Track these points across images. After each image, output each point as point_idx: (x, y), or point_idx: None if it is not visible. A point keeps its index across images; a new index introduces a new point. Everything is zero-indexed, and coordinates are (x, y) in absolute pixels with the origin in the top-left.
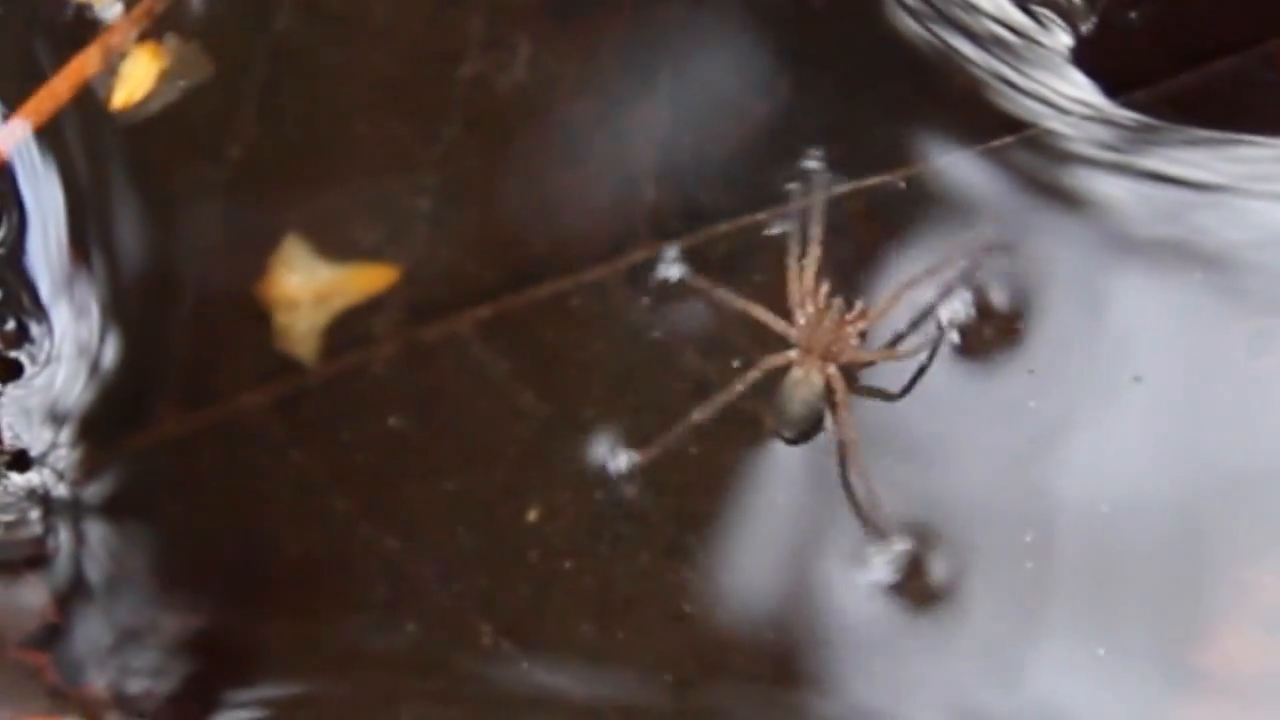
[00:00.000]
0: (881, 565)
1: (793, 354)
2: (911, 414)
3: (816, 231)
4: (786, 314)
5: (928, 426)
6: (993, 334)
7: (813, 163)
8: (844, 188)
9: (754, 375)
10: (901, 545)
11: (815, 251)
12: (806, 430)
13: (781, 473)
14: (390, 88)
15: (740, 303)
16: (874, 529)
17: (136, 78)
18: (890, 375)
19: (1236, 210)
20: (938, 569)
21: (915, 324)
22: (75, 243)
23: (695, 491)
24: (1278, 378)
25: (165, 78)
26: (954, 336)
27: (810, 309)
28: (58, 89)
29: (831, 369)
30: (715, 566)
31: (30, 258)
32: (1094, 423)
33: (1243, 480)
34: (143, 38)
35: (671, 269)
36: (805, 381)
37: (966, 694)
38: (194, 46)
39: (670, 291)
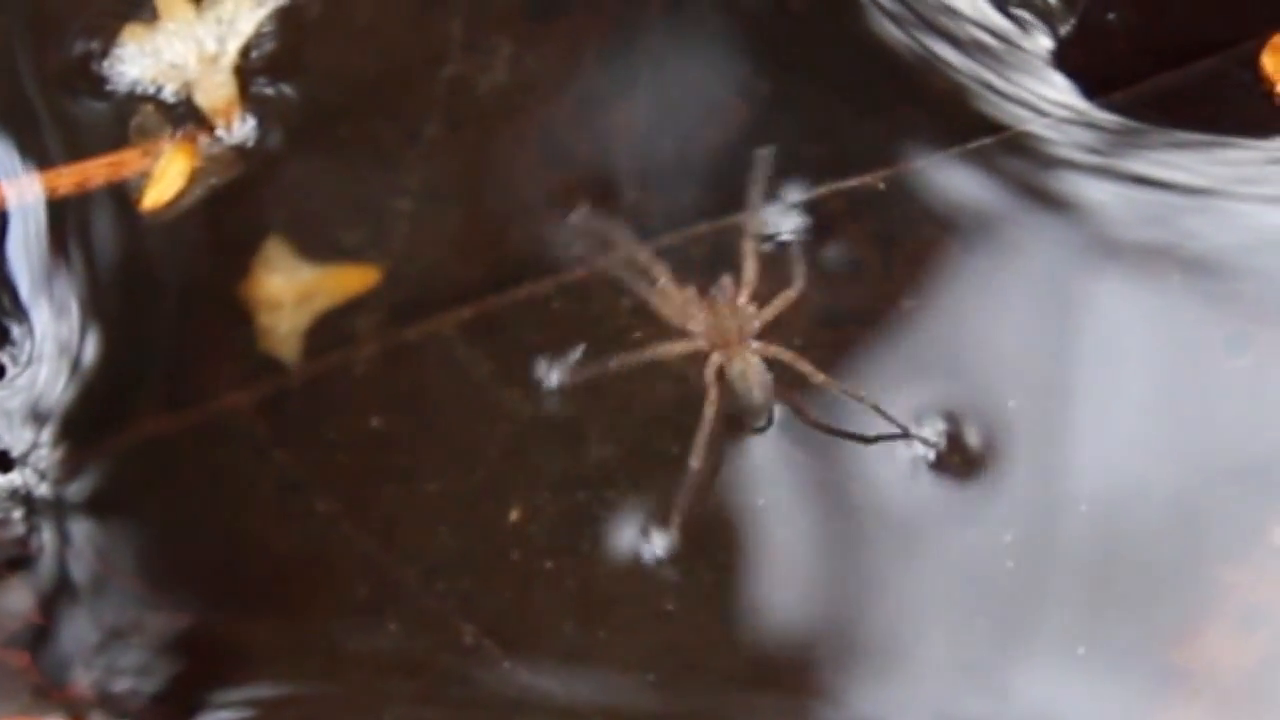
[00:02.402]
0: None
1: (701, 343)
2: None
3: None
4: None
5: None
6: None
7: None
8: (824, 189)
9: (660, 352)
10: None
11: (749, 248)
12: (771, 409)
13: (762, 473)
14: (371, 89)
15: (646, 293)
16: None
17: (169, 178)
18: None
19: (1219, 213)
20: (919, 562)
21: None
22: (55, 242)
23: (676, 492)
24: (1256, 378)
25: (196, 178)
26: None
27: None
28: (90, 173)
29: (753, 347)
30: (697, 566)
31: (10, 258)
32: (1073, 423)
33: (1224, 479)
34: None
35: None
36: (748, 368)
37: (949, 699)
38: (229, 149)
39: (650, 293)
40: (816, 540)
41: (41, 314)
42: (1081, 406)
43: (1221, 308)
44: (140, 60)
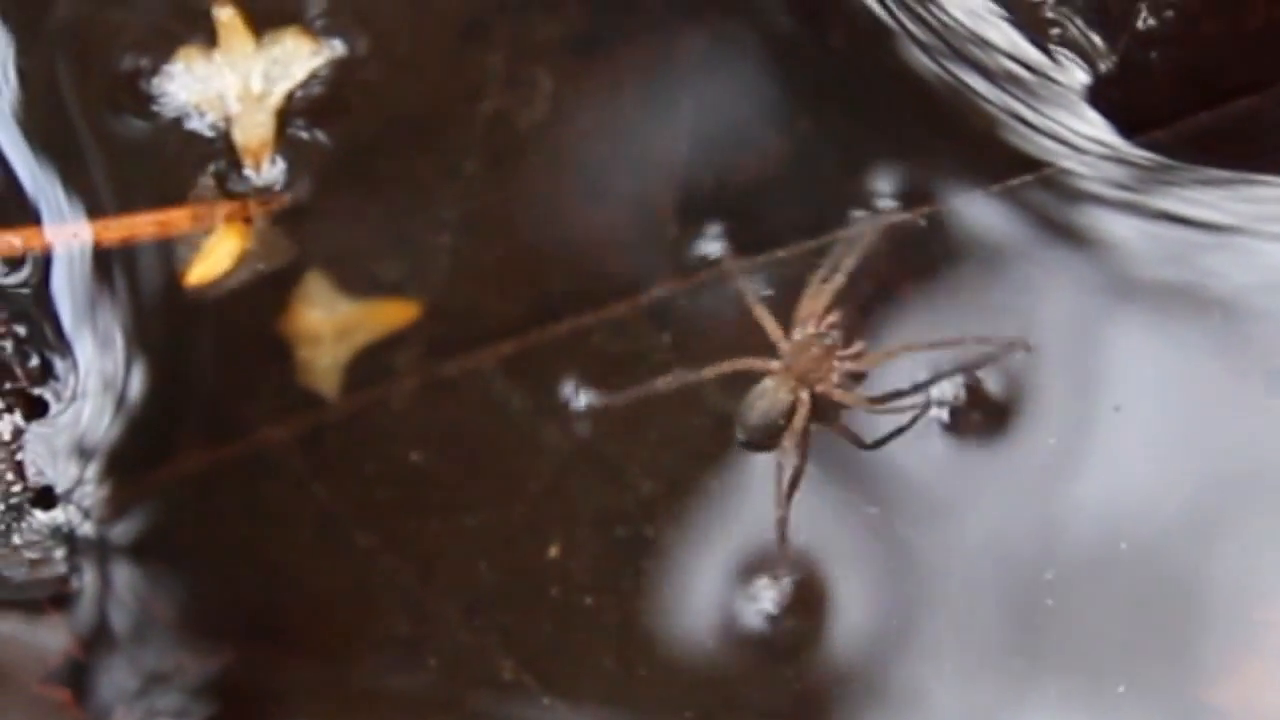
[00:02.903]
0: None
1: (774, 364)
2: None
3: (850, 263)
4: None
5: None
6: (981, 418)
7: (876, 199)
8: (863, 225)
9: (728, 368)
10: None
11: (840, 279)
12: (759, 440)
13: (803, 513)
14: (411, 124)
15: (752, 299)
16: (775, 559)
17: (217, 258)
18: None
19: (1247, 251)
20: (942, 612)
21: (912, 389)
22: (99, 278)
23: (716, 527)
24: None
25: (245, 260)
26: (942, 414)
27: (808, 330)
28: (138, 229)
29: (804, 393)
30: (737, 603)
31: (54, 293)
32: (1110, 463)
33: (1260, 518)
34: (232, 218)
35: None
36: (771, 394)
37: None
38: (279, 230)
39: (690, 328)
40: (857, 577)
41: (85, 349)
42: (1117, 443)
43: (1265, 347)
44: (188, 83)
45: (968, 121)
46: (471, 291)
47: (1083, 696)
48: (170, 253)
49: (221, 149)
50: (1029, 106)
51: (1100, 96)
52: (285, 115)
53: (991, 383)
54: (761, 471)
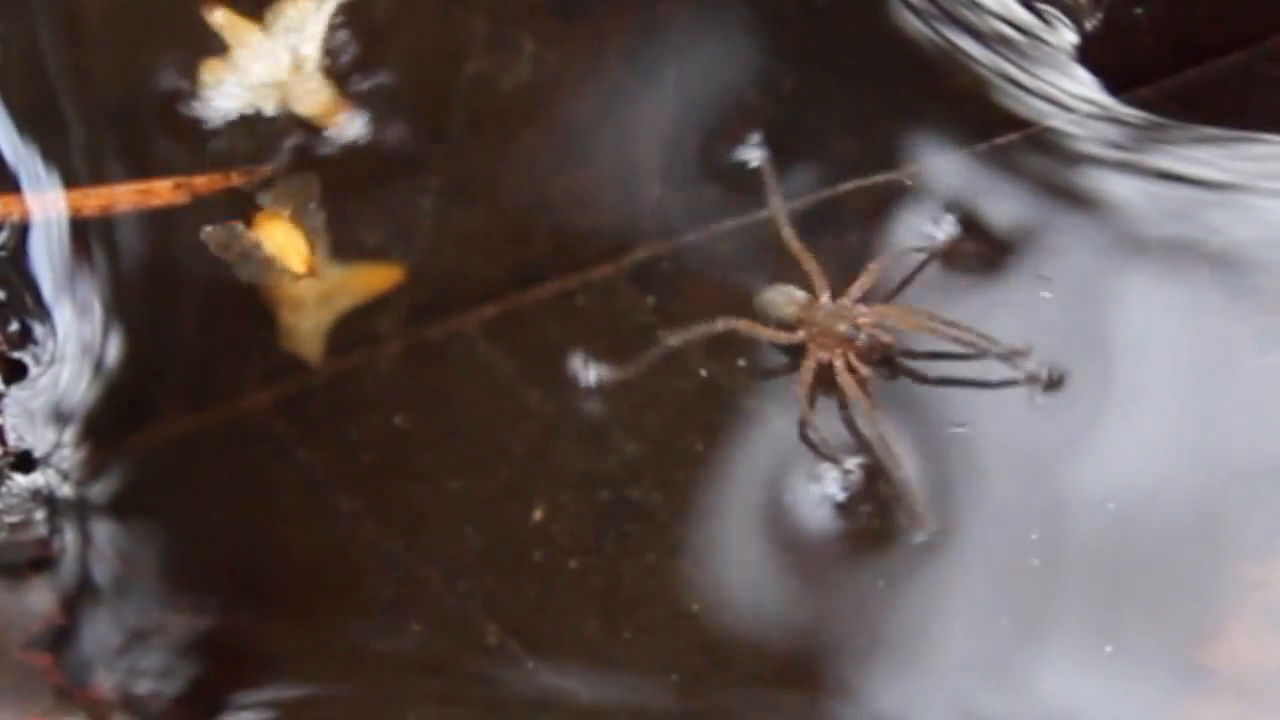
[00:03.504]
0: (891, 555)
1: (800, 334)
2: (930, 402)
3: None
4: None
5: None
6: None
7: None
8: (849, 185)
9: (743, 325)
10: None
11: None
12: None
13: (789, 473)
14: (394, 87)
15: (797, 246)
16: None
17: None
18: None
19: (1245, 208)
20: (943, 561)
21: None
22: (78, 243)
23: (701, 490)
24: None
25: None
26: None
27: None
28: (118, 198)
29: (819, 356)
30: (722, 565)
31: (32, 257)
32: (1100, 421)
33: (1251, 477)
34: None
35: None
36: (787, 303)
37: (974, 696)
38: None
39: (674, 290)
40: (840, 538)
41: (64, 313)
42: (1106, 403)
43: (1247, 304)
44: (229, 92)
45: (956, 81)
46: (455, 255)
47: (1070, 657)
48: (147, 221)
49: (294, 126)
50: (1019, 67)
51: (1088, 55)
52: (334, 71)
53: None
54: (745, 433)
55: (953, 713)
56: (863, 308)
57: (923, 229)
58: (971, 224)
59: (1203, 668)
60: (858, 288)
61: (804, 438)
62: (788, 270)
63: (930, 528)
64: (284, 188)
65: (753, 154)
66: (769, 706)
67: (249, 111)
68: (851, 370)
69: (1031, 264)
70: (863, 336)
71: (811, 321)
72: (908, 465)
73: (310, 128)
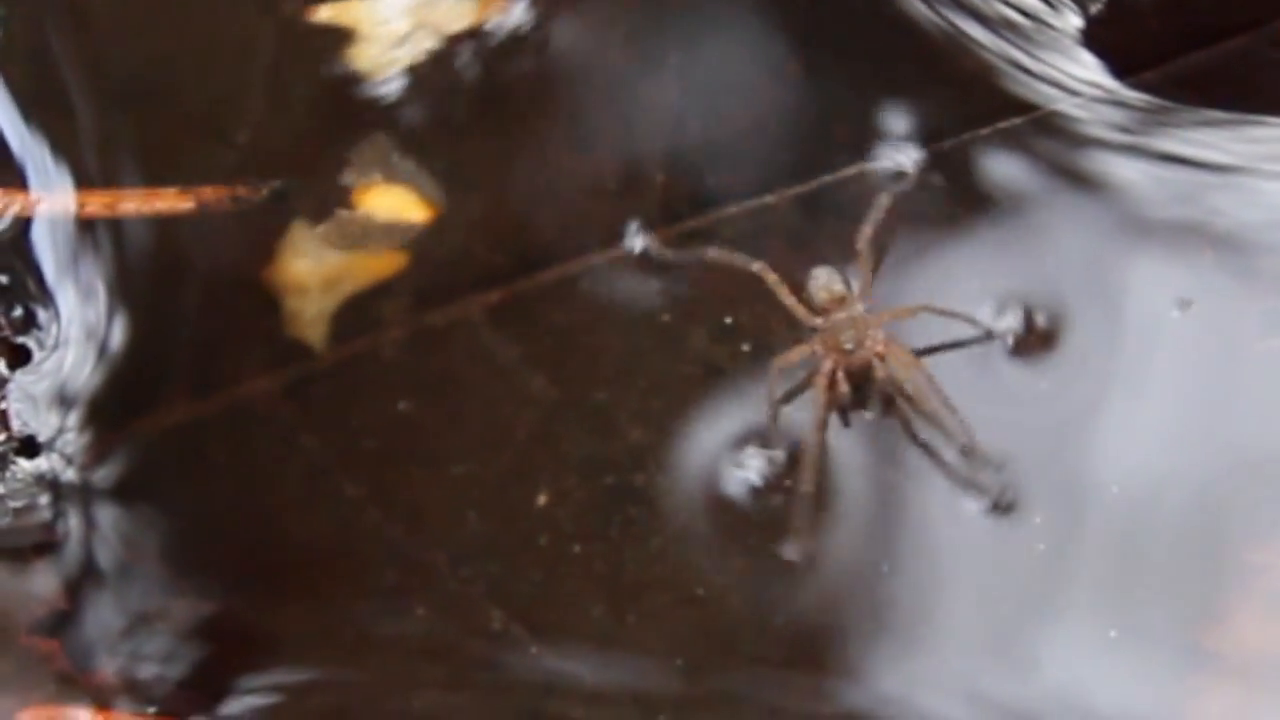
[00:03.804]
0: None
1: (817, 321)
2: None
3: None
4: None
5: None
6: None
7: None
8: (852, 169)
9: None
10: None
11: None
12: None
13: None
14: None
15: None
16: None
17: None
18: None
19: (1249, 191)
20: (947, 545)
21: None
22: (82, 227)
23: (705, 475)
24: None
25: None
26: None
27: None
28: (130, 201)
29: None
30: (726, 549)
31: (36, 242)
32: (1104, 405)
33: (1256, 461)
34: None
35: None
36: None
37: (979, 679)
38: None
39: (677, 275)
40: (844, 521)
41: (68, 298)
42: (1110, 386)
43: (1259, 287)
44: (395, 58)
45: (961, 65)
46: (458, 240)
47: (1074, 641)
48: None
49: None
50: (1024, 51)
51: (1092, 39)
52: None
53: (995, 318)
54: (749, 418)
55: (958, 694)
56: (879, 334)
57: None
58: (975, 209)
59: (1208, 652)
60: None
61: (767, 409)
62: (797, 256)
63: (804, 550)
64: (360, 158)
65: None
66: (774, 689)
67: (422, 59)
68: (832, 383)
69: (1033, 245)
70: (859, 355)
71: (831, 317)
72: (815, 484)
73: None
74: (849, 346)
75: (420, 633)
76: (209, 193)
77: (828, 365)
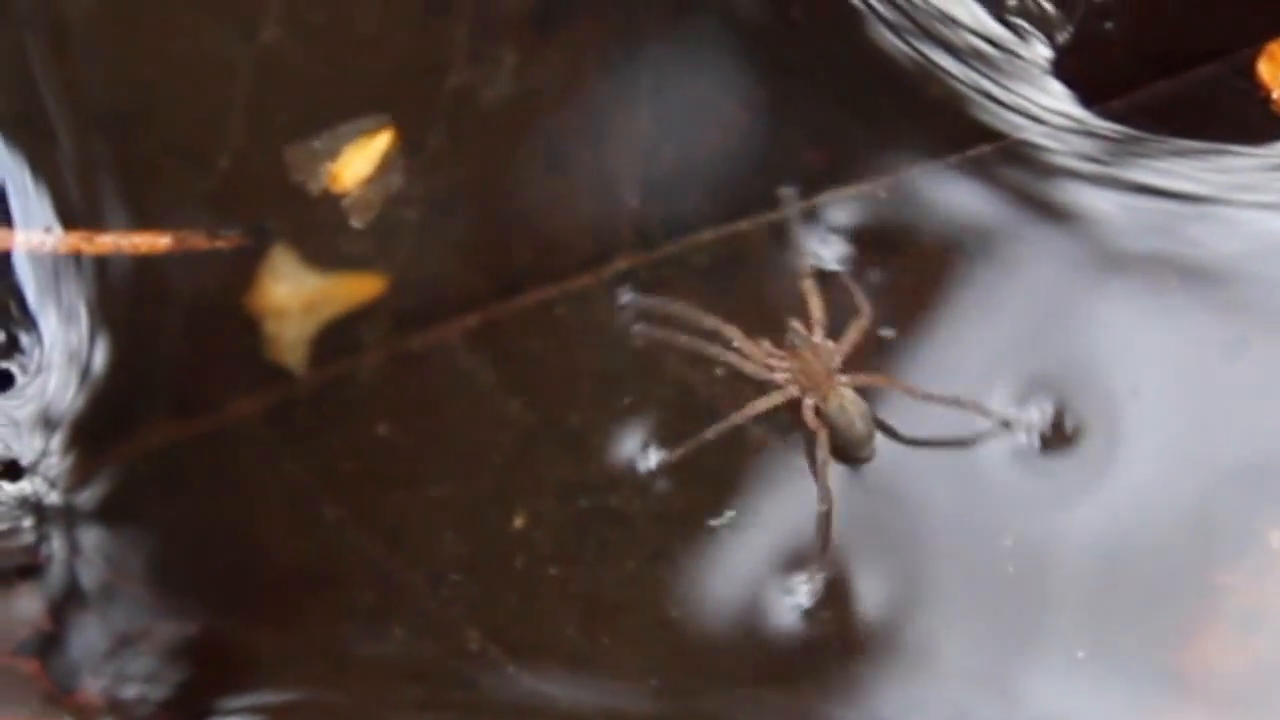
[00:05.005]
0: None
1: (793, 390)
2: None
3: (801, 245)
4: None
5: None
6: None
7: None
8: (823, 196)
9: (749, 413)
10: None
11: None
12: (874, 437)
13: (764, 481)
14: (376, 98)
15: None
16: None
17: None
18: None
19: (1218, 220)
20: (913, 573)
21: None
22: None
23: (679, 498)
24: (1255, 384)
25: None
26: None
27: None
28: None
29: (843, 381)
30: (700, 572)
31: (17, 267)
32: (1070, 429)
33: (1223, 484)
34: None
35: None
36: (844, 402)
37: (948, 698)
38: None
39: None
40: (817, 544)
41: (50, 322)
42: (1080, 411)
43: (1220, 314)
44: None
45: (930, 94)
46: (437, 265)
47: (1043, 663)
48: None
49: None
50: (992, 80)
51: (1060, 68)
52: None
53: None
54: (728, 442)
55: (924, 708)
56: (839, 363)
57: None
58: (945, 238)
59: (1178, 673)
60: (847, 344)
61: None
62: (771, 281)
63: (822, 562)
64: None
65: (788, 207)
66: (750, 711)
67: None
68: (818, 412)
69: (1002, 275)
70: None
71: (795, 362)
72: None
73: None
74: (821, 374)
75: (399, 653)
76: (186, 235)
77: (808, 403)
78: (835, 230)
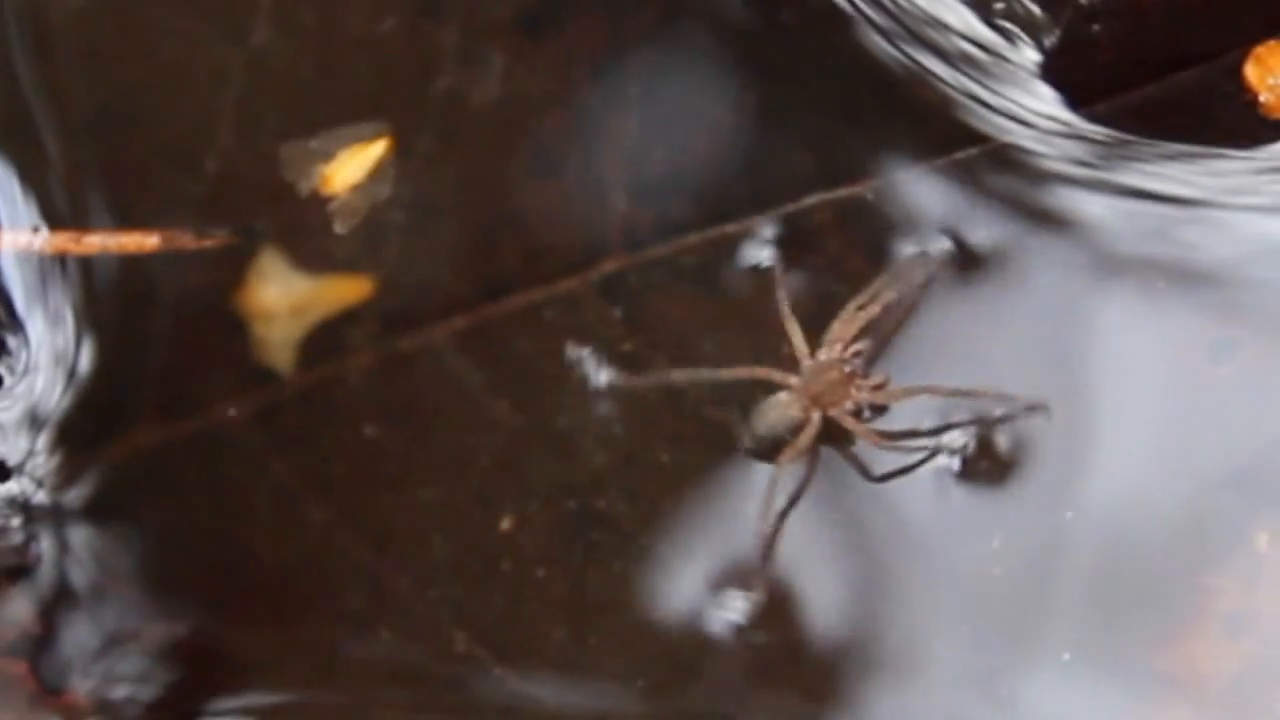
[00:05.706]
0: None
1: (793, 380)
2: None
3: (889, 296)
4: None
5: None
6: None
7: (930, 244)
8: (812, 199)
9: (746, 374)
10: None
11: (875, 310)
12: (764, 450)
13: (751, 483)
14: (365, 101)
15: (785, 311)
16: (749, 572)
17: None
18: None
19: (1209, 223)
20: (902, 575)
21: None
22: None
23: (667, 500)
24: (1242, 386)
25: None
26: (953, 462)
27: (834, 353)
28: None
29: (816, 414)
30: (688, 574)
31: (4, 268)
32: (1058, 433)
33: (1210, 486)
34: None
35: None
36: (783, 407)
37: (937, 699)
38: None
39: (641, 303)
40: (806, 547)
41: (37, 324)
42: (1066, 415)
43: (1210, 317)
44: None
45: (918, 97)
46: (425, 267)
47: (1028, 665)
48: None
49: None
50: (981, 84)
51: (1048, 72)
52: None
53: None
54: (714, 444)
55: (913, 710)
56: (857, 370)
57: (889, 246)
58: (932, 241)
59: (1164, 675)
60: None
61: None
62: (757, 285)
63: (757, 594)
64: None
65: (763, 253)
66: (734, 710)
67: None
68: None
69: (991, 279)
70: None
71: (809, 374)
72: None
73: None
74: (837, 385)
75: (386, 654)
76: (174, 235)
77: (815, 415)
78: (821, 233)
